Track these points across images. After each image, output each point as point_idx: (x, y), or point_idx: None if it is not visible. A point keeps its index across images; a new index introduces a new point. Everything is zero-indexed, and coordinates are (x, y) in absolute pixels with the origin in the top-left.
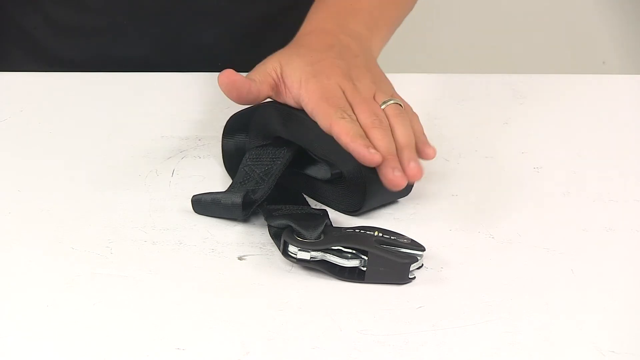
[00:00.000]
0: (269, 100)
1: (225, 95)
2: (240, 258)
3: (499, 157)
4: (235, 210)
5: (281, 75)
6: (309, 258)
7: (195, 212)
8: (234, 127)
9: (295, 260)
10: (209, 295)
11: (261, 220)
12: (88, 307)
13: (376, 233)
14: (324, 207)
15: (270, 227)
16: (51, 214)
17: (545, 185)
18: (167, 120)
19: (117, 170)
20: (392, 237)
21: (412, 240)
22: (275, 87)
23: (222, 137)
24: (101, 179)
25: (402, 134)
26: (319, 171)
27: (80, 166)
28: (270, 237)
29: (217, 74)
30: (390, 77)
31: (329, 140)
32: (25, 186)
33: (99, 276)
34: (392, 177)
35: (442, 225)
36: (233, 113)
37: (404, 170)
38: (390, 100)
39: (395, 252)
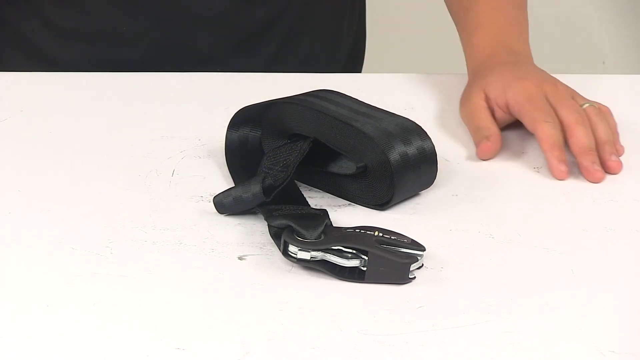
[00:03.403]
0: (280, 97)
1: (225, 96)
2: (240, 258)
3: (499, 157)
4: (258, 199)
5: (488, 96)
6: (309, 258)
7: (220, 213)
8: (240, 120)
9: (295, 260)
10: (209, 295)
11: (261, 220)
12: (88, 307)
13: (376, 233)
14: (324, 206)
15: (270, 227)
16: (51, 214)
17: (545, 185)
18: (167, 120)
19: (117, 170)
20: (392, 237)
21: (412, 240)
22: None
23: (227, 130)
24: (101, 179)
25: (603, 131)
26: (341, 167)
27: (80, 166)
28: (270, 237)
29: (218, 74)
30: (391, 77)
31: (350, 134)
32: (25, 186)
33: (99, 276)
34: (592, 171)
35: (442, 225)
36: (239, 109)
37: (605, 164)
38: (587, 103)
39: (396, 252)
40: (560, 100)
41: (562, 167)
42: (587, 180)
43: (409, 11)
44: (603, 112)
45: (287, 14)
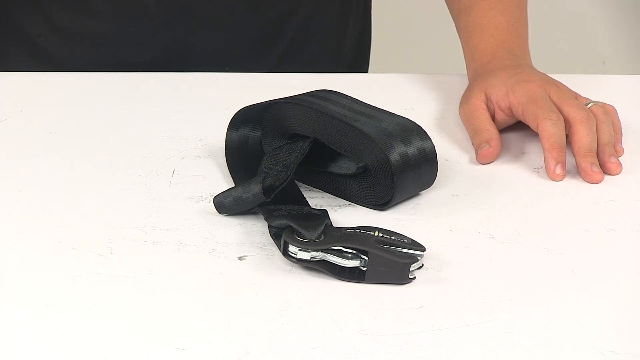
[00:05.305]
0: (281, 97)
1: (226, 95)
2: (240, 258)
3: (499, 157)
4: (258, 199)
5: (489, 98)
6: (309, 258)
7: (220, 213)
8: (240, 120)
9: (295, 260)
10: (209, 295)
11: (261, 220)
12: (88, 307)
13: (376, 233)
14: (324, 206)
15: (270, 227)
16: (51, 214)
17: (545, 185)
18: (167, 120)
19: (117, 170)
20: (392, 237)
21: (412, 240)
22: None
23: (227, 130)
24: (101, 179)
25: (605, 133)
26: (341, 167)
27: (81, 166)
28: (270, 237)
29: (219, 74)
30: (391, 77)
31: (350, 134)
32: (25, 186)
33: (99, 276)
34: (591, 173)
35: (442, 225)
36: (240, 108)
37: (604, 165)
38: (591, 102)
39: (396, 252)
40: (564, 99)
41: (558, 170)
42: (585, 181)
43: (415, 11)
44: (608, 111)
45: (295, 15)
